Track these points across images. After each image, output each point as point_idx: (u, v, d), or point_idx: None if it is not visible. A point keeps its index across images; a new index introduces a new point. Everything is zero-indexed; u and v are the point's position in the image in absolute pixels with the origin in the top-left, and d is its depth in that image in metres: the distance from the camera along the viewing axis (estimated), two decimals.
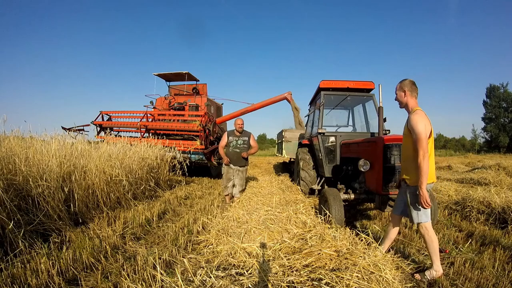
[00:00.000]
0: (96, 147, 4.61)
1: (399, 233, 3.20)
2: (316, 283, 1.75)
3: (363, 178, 3.54)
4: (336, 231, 2.49)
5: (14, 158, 3.08)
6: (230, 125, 11.29)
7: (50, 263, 2.15)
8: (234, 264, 2.08)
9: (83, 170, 3.74)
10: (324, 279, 1.77)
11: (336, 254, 2.07)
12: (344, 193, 3.54)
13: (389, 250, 2.50)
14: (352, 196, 3.48)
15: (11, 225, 2.38)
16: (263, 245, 2.32)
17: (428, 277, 2.18)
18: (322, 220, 2.94)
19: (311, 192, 5.14)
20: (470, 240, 2.95)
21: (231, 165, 4.33)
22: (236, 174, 4.36)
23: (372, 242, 2.33)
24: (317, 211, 3.31)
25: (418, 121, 2.19)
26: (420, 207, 2.20)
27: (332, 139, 4.71)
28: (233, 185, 4.39)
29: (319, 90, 4.95)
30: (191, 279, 1.82)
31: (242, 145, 4.35)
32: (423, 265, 2.38)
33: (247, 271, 1.92)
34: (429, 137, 2.18)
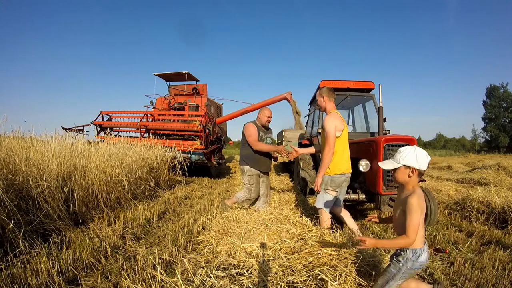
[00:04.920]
0: (96, 147, 4.60)
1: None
2: (315, 283, 1.75)
3: (363, 178, 3.54)
4: (336, 231, 2.50)
5: (14, 158, 3.07)
6: (230, 125, 11.26)
7: (50, 263, 2.15)
8: (234, 264, 2.08)
9: (83, 170, 3.74)
10: (323, 279, 1.77)
11: (336, 253, 2.07)
12: None
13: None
14: (352, 196, 3.48)
15: (11, 225, 2.38)
16: (263, 245, 2.32)
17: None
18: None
19: (311, 192, 5.13)
20: (470, 240, 2.95)
21: (260, 172, 3.37)
22: (263, 181, 3.46)
23: None
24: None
25: (329, 121, 2.55)
26: (318, 193, 2.67)
27: None
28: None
29: (319, 90, 4.95)
30: (191, 279, 1.82)
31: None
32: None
33: (247, 271, 1.92)
34: (340, 135, 2.58)
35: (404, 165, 1.53)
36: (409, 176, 1.53)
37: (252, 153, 3.28)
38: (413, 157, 1.52)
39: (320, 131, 2.71)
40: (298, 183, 5.56)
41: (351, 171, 2.74)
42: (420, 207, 1.45)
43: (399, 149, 1.59)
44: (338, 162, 2.63)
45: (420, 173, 1.54)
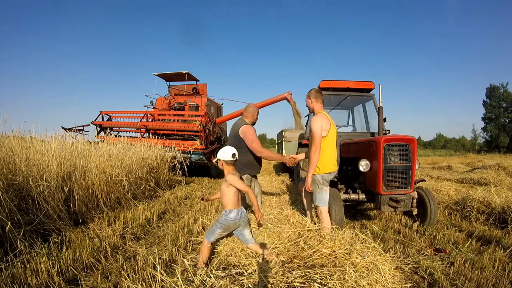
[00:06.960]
0: (96, 147, 4.60)
1: (399, 232, 3.22)
2: (315, 283, 1.75)
3: (363, 178, 3.54)
4: (335, 231, 2.49)
5: (14, 158, 3.07)
6: (230, 125, 11.23)
7: (50, 263, 2.15)
8: (234, 264, 2.08)
9: (83, 170, 3.74)
10: (323, 279, 1.77)
11: (335, 254, 2.07)
12: (344, 193, 3.54)
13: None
14: (352, 196, 3.48)
15: (9, 225, 2.38)
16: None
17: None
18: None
19: None
20: (470, 240, 2.95)
21: (253, 177, 3.19)
22: (256, 185, 3.25)
23: (371, 242, 2.34)
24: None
25: (315, 122, 2.62)
26: (315, 192, 2.70)
27: None
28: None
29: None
30: (191, 279, 1.82)
31: None
32: (422, 265, 2.38)
33: (247, 271, 1.92)
34: (327, 135, 2.64)
35: (218, 159, 2.29)
36: (222, 165, 2.29)
37: (253, 159, 2.99)
38: (220, 153, 2.28)
39: None
40: (298, 183, 5.56)
41: (337, 169, 2.85)
42: (233, 181, 2.20)
43: None
44: (327, 161, 2.70)
45: (227, 163, 2.27)
